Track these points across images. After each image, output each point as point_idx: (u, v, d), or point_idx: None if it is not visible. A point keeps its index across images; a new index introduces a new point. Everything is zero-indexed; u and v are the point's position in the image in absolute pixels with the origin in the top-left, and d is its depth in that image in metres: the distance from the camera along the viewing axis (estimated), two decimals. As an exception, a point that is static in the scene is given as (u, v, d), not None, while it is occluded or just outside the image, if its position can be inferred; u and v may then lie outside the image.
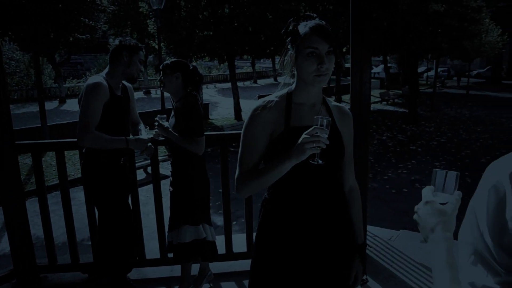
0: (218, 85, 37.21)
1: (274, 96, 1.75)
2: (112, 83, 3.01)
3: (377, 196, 8.90)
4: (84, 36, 15.19)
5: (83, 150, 3.07)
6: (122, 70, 3.03)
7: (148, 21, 19.99)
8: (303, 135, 1.49)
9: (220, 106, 24.00)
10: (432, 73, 34.87)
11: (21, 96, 26.06)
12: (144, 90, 30.06)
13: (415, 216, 1.12)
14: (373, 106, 23.91)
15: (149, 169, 10.08)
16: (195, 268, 3.35)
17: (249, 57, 25.77)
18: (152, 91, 30.04)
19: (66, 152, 3.41)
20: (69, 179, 9.25)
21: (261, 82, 41.05)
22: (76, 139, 2.95)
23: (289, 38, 1.68)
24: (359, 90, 3.26)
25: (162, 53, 16.96)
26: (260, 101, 1.73)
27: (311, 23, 1.62)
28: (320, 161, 1.53)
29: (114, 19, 26.45)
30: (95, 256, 3.28)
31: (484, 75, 41.26)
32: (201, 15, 16.70)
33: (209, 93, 30.51)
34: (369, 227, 4.14)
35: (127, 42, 3.05)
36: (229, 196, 3.50)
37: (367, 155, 3.42)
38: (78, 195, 7.32)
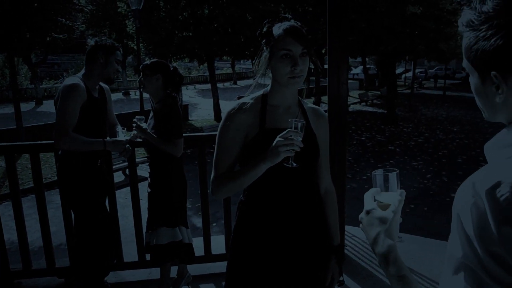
0: (198, 86, 37.06)
1: (249, 98, 1.74)
2: (89, 84, 2.96)
3: (356, 196, 8.94)
4: (61, 36, 14.91)
5: (59, 152, 3.01)
6: (98, 71, 2.99)
7: (127, 21, 19.79)
8: (277, 138, 1.49)
9: (199, 107, 23.89)
10: (410, 74, 35.35)
11: (-6, 97, 25.53)
12: (123, 91, 29.75)
13: (360, 226, 1.11)
14: (352, 107, 24.14)
15: (127, 171, 9.96)
16: (174, 271, 3.32)
17: (229, 58, 25.73)
18: (131, 92, 29.74)
19: (42, 154, 3.34)
20: (45, 182, 9.08)
21: (241, 83, 41.01)
22: (52, 141, 2.89)
23: (264, 40, 1.67)
24: (337, 90, 3.28)
25: (141, 54, 16.82)
26: (235, 103, 1.73)
27: (285, 24, 1.62)
28: (294, 164, 1.53)
29: (92, 19, 26.13)
30: (72, 260, 3.23)
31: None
32: (181, 16, 16.60)
33: (188, 94, 30.35)
34: (347, 227, 4.17)
35: (103, 42, 3.02)
36: (207, 197, 3.48)
37: (345, 155, 3.45)
38: (54, 198, 7.19)
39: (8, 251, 3.38)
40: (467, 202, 0.79)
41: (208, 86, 20.91)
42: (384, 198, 1.11)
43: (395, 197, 1.11)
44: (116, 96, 28.24)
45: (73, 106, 2.83)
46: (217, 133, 1.74)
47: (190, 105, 21.49)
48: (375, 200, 1.12)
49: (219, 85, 30.48)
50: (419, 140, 15.47)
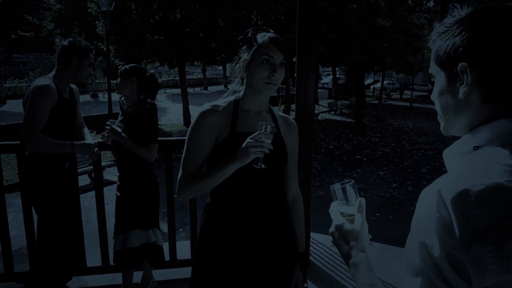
0: (168, 90, 36.76)
1: (221, 101, 1.77)
2: (60, 86, 2.91)
3: (323, 204, 8.98)
4: (27, 34, 14.54)
5: (26, 154, 2.94)
6: (71, 74, 2.94)
7: (97, 22, 19.47)
8: (248, 139, 1.52)
9: (169, 112, 23.70)
10: (379, 85, 36.12)
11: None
12: (91, 93, 29.23)
13: (332, 242, 1.14)
14: (321, 116, 24.46)
15: (93, 174, 9.77)
16: (137, 276, 3.28)
17: (200, 63, 25.66)
18: (100, 95, 29.24)
19: (4, 156, 3.24)
20: (6, 184, 8.81)
21: (211, 89, 40.98)
22: (14, 142, 2.83)
23: (245, 45, 1.72)
24: (304, 99, 3.33)
25: (111, 56, 16.57)
26: (207, 105, 1.75)
27: (271, 34, 1.70)
28: (263, 166, 1.56)
29: (61, 19, 25.56)
30: (32, 264, 3.14)
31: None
32: (152, 19, 16.48)
33: (159, 98, 29.78)
34: (312, 234, 4.21)
35: (78, 44, 2.96)
36: (173, 202, 3.47)
37: (311, 163, 3.50)
38: (16, 201, 6.98)
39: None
40: (430, 209, 0.78)
41: (179, 90, 20.79)
42: (347, 210, 1.15)
43: (354, 209, 1.16)
44: (84, 98, 27.72)
45: (43, 107, 2.77)
46: (187, 133, 1.75)
47: (159, 110, 21.17)
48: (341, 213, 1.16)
49: (190, 90, 30.31)
50: (386, 150, 15.79)
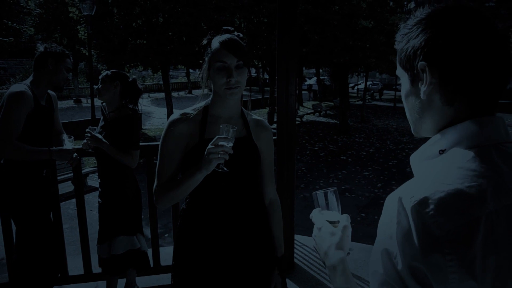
0: (152, 94, 36.60)
1: (190, 109, 1.76)
2: (37, 92, 2.87)
3: (308, 205, 9.09)
4: (7, 39, 14.35)
5: (1, 161, 2.89)
6: (47, 78, 2.91)
7: (78, 27, 19.29)
8: (208, 146, 1.51)
9: (154, 116, 23.58)
10: (363, 85, 36.37)
11: None
12: (74, 98, 28.92)
13: (313, 245, 1.14)
14: (306, 118, 24.55)
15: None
16: (121, 283, 3.25)
17: (184, 67, 25.57)
18: (83, 100, 28.95)
19: None
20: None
21: (196, 92, 40.73)
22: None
23: (205, 52, 1.71)
24: (286, 102, 3.33)
25: (94, 60, 16.42)
26: (176, 114, 1.74)
27: (223, 37, 1.66)
28: (225, 169, 1.56)
29: (42, 23, 25.23)
30: (11, 275, 3.09)
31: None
32: (135, 23, 16.38)
33: (143, 103, 29.26)
34: (297, 236, 4.21)
35: (53, 49, 2.94)
36: (156, 208, 3.43)
37: (294, 165, 3.49)
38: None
39: None
40: (391, 217, 0.77)
41: (163, 94, 20.70)
42: (330, 216, 1.15)
43: (339, 215, 1.15)
44: (67, 103, 27.45)
45: (18, 114, 2.73)
46: (159, 142, 1.75)
47: (144, 114, 21.16)
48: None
49: (174, 94, 30.22)
50: (370, 150, 15.89)
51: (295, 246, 4.01)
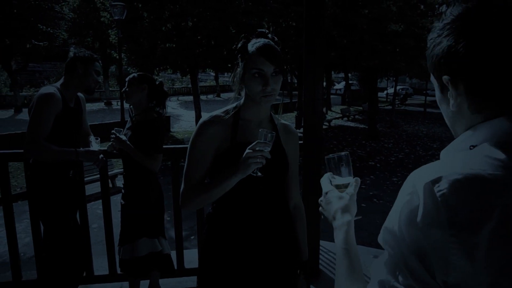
0: (181, 97, 37.01)
1: (221, 111, 1.74)
2: (66, 95, 2.94)
3: (335, 210, 8.98)
4: (41, 43, 14.74)
5: (30, 162, 2.95)
6: (77, 82, 2.98)
7: (109, 31, 19.68)
8: (247, 150, 1.50)
9: (182, 119, 23.81)
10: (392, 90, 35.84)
11: (-28, 103, 25.08)
12: (105, 101, 29.52)
13: (320, 209, 1.18)
14: (334, 122, 24.34)
15: (110, 181, 9.82)
16: (144, 285, 3.26)
17: (212, 70, 25.76)
18: (113, 102, 29.51)
19: (19, 163, 3.23)
20: (20, 191, 8.88)
21: (224, 95, 41.08)
22: (21, 151, 2.84)
23: (239, 55, 1.68)
24: (312, 106, 3.28)
25: (124, 64, 16.71)
26: (207, 116, 1.73)
27: (259, 42, 1.63)
28: (259, 174, 1.54)
29: (75, 28, 25.90)
30: (39, 272, 3.14)
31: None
32: (164, 27, 16.58)
33: (171, 105, 30.25)
34: (322, 242, 4.15)
35: (81, 54, 3.01)
36: (181, 210, 3.44)
37: (319, 171, 3.43)
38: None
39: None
40: (403, 196, 0.75)
41: (191, 97, 20.88)
42: (338, 180, 1.20)
43: (349, 179, 1.20)
44: (98, 105, 28.05)
45: (47, 115, 2.79)
46: (188, 145, 1.73)
47: (172, 117, 21.43)
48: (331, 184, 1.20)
49: (203, 97, 30.45)
50: (399, 156, 15.62)
51: (320, 252, 3.95)
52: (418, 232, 0.70)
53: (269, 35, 1.70)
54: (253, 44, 1.63)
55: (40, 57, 19.28)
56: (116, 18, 13.30)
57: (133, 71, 18.01)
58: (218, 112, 1.74)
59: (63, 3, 17.13)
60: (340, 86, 42.94)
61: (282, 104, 1.85)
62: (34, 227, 3.22)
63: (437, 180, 0.70)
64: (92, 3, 24.05)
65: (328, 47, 16.68)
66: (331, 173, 1.21)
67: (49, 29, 14.70)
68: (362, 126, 23.49)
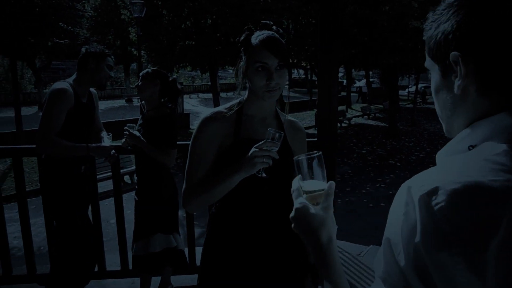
0: (201, 95, 37.11)
1: (224, 108, 1.68)
2: (79, 90, 2.95)
3: (353, 210, 8.87)
4: (62, 41, 14.95)
5: (42, 157, 2.97)
6: (89, 77, 2.99)
7: (130, 28, 19.88)
8: (253, 149, 1.44)
9: (201, 116, 23.85)
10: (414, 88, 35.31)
11: (-1, 100, 25.63)
12: (126, 98, 29.81)
13: (292, 227, 0.99)
14: (354, 120, 24.10)
15: (126, 178, 9.92)
16: (155, 282, 3.25)
17: (232, 68, 25.73)
18: (134, 99, 29.75)
19: (35, 159, 3.26)
20: (38, 187, 9.01)
21: (245, 93, 41.02)
22: (34, 146, 2.86)
23: (242, 48, 1.62)
24: (328, 103, 3.21)
25: (144, 61, 16.83)
26: (209, 112, 1.67)
27: (263, 35, 1.56)
28: (264, 175, 1.48)
29: (97, 26, 26.23)
30: (51, 266, 3.16)
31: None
32: (183, 25, 16.64)
33: (191, 103, 30.38)
34: (338, 242, 4.08)
35: (93, 49, 3.02)
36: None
37: (335, 170, 3.36)
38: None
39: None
40: (398, 209, 0.68)
41: (211, 95, 20.93)
42: (309, 185, 1.01)
43: (322, 185, 1.01)
44: (119, 102, 28.33)
45: (58, 110, 2.80)
46: (190, 142, 1.67)
47: (192, 114, 21.49)
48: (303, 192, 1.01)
49: (223, 94, 30.50)
50: (420, 155, 15.36)
51: (335, 251, 3.88)
52: (418, 251, 0.63)
53: (274, 27, 1.63)
54: (257, 37, 1.56)
55: (63, 55, 19.53)
56: (136, 15, 13.38)
57: (153, 68, 18.12)
58: (221, 108, 1.69)
59: (84, 1, 17.33)
60: (361, 84, 42.51)
61: (289, 103, 1.76)
62: (47, 221, 3.24)
63: (433, 192, 0.63)
64: (113, 1, 24.34)
65: (348, 44, 16.50)
66: (300, 176, 1.03)
67: (69, 27, 14.88)
68: (382, 124, 23.19)
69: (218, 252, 1.69)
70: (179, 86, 3.19)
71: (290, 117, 1.81)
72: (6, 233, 3.29)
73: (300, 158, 1.02)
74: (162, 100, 3.11)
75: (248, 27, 1.65)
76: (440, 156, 0.81)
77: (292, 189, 1.03)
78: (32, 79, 26.66)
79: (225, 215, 1.68)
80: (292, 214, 0.98)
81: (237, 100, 1.70)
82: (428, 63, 0.83)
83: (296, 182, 1.03)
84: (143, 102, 3.17)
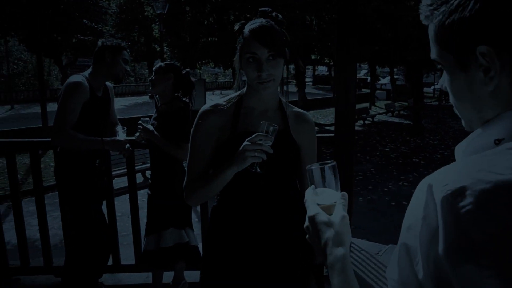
0: (224, 91, 37.21)
1: (223, 100, 1.65)
2: (94, 83, 2.95)
3: (375, 208, 8.74)
4: (86, 38, 15.16)
5: (57, 150, 2.98)
6: (105, 70, 2.99)
7: (153, 25, 20.03)
8: (245, 142, 1.39)
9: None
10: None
11: (27, 96, 26.19)
12: (149, 94, 30.12)
13: (307, 237, 0.94)
14: (378, 118, 23.79)
15: (148, 173, 10.00)
16: (168, 277, 3.24)
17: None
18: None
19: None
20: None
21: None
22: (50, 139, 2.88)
23: (238, 39, 1.57)
24: (344, 97, 3.14)
25: (166, 58, 16.93)
26: (207, 106, 1.63)
27: (255, 24, 1.50)
28: (259, 170, 1.42)
29: (122, 23, 26.51)
30: (66, 260, 3.19)
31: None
32: (206, 21, 16.68)
33: (214, 99, 30.36)
34: (356, 240, 4.01)
35: (109, 43, 3.01)
36: (207, 202, 3.40)
37: (352, 167, 3.27)
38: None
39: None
40: (417, 211, 0.60)
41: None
42: (324, 199, 0.96)
43: (336, 195, 0.95)
44: (142, 99, 28.63)
45: (73, 104, 2.81)
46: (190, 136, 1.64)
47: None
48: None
49: (245, 91, 30.32)
50: (445, 153, 15.04)
51: (352, 250, 3.81)
52: (440, 263, 0.55)
53: (273, 14, 1.56)
54: (249, 26, 1.51)
55: (89, 52, 19.83)
56: (158, 12, 13.43)
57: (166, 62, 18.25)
58: (220, 100, 1.65)
59: (109, -1, 17.61)
60: (385, 81, 41.92)
61: (287, 97, 1.69)
62: (63, 214, 3.26)
63: (459, 192, 0.54)
64: (137, -1, 24.60)
65: (372, 40, 16.25)
66: (313, 186, 0.98)
67: (93, 24, 15.07)
68: (406, 122, 22.79)
69: (217, 249, 1.65)
70: (193, 79, 3.15)
71: (297, 108, 1.75)
72: (24, 227, 3.34)
73: (313, 167, 0.98)
74: (176, 94, 3.09)
75: (246, 15, 1.60)
76: (460, 148, 0.72)
77: (304, 199, 0.97)
78: (59, 76, 27.13)
79: (224, 210, 1.65)
80: (305, 224, 0.93)
81: (237, 93, 1.66)
82: (438, 55, 0.73)
83: (309, 193, 0.97)
84: (157, 96, 3.15)
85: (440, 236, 0.54)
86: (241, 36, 1.53)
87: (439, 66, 0.75)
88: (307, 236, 0.93)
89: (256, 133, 1.38)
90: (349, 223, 0.92)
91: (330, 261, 0.84)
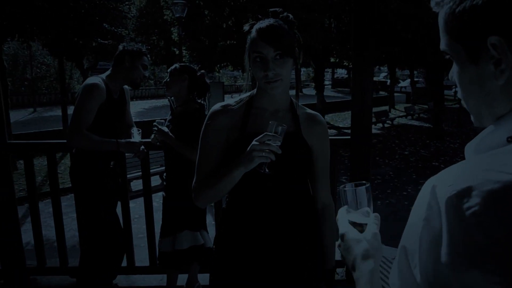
0: (243, 95, 37.23)
1: (234, 100, 1.63)
2: (111, 86, 2.97)
3: (393, 212, 8.62)
4: (106, 42, 15.36)
5: (73, 151, 3.01)
6: (123, 74, 3.00)
7: (172, 29, 20.18)
8: (253, 142, 1.37)
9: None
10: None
11: (50, 99, 26.66)
12: (168, 97, 30.38)
13: (341, 256, 0.93)
14: (397, 121, 23.52)
15: (164, 175, 10.04)
16: (182, 279, 3.23)
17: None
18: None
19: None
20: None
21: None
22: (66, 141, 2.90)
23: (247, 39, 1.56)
24: (360, 98, 3.09)
25: (185, 61, 17.03)
26: (217, 106, 1.62)
27: (262, 23, 1.49)
28: (267, 171, 1.40)
29: (142, 27, 26.78)
30: (80, 261, 3.21)
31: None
32: (225, 24, 16.73)
33: (227, 101, 30.45)
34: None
35: (130, 48, 3.02)
36: (221, 203, 3.39)
37: (369, 169, 3.22)
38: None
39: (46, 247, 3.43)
40: (418, 212, 0.57)
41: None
42: (357, 218, 0.96)
43: (369, 215, 0.95)
44: (162, 102, 28.87)
45: (90, 105, 2.83)
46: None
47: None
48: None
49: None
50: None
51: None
52: (440, 267, 0.52)
53: (284, 14, 1.55)
54: (256, 26, 1.50)
55: (110, 56, 20.08)
56: (177, 15, 13.54)
57: (181, 64, 18.38)
58: (230, 101, 1.64)
59: (129, 3, 17.71)
60: (405, 83, 41.45)
61: (298, 98, 1.67)
62: (78, 215, 3.28)
63: (464, 193, 0.51)
64: (157, 3, 24.78)
65: (392, 42, 16.08)
66: (346, 206, 0.98)
67: (113, 28, 15.27)
68: (426, 125, 22.48)
69: (225, 250, 1.64)
70: (208, 80, 3.15)
71: (309, 110, 1.72)
72: (41, 228, 3.37)
73: (346, 188, 0.99)
74: (191, 96, 3.09)
75: (258, 15, 1.59)
76: (470, 147, 0.69)
77: (336, 218, 0.98)
78: (80, 79, 27.55)
79: (233, 211, 1.63)
80: (337, 242, 0.94)
81: (248, 94, 1.64)
82: (446, 43, 0.70)
83: (342, 212, 0.97)
84: (172, 98, 3.16)
85: (444, 239, 0.51)
86: (249, 36, 1.52)
87: (447, 57, 0.72)
88: (341, 255, 0.94)
89: (264, 133, 1.36)
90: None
91: (356, 276, 0.83)
